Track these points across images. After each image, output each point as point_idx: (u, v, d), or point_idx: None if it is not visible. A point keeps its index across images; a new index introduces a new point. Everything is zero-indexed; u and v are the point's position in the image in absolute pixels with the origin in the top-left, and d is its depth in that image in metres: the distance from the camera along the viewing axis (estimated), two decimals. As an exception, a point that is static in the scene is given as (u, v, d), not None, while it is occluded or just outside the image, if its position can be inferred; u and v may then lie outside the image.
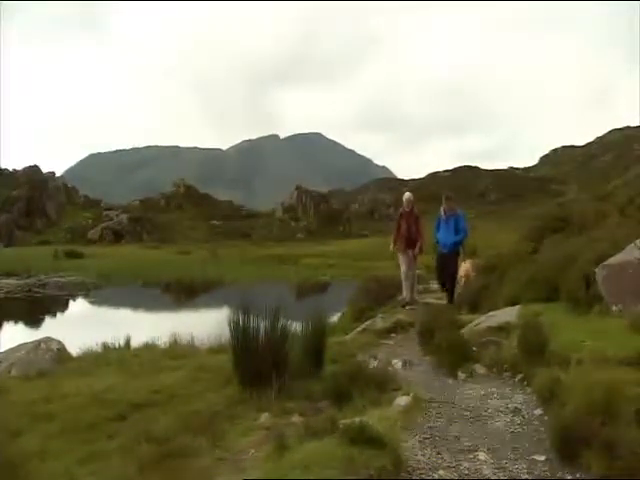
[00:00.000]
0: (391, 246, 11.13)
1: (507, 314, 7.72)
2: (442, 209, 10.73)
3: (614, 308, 6.81)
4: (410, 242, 10.81)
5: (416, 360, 6.86)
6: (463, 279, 11.76)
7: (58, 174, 76.36)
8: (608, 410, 3.37)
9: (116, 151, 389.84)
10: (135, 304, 23.85)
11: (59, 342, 8.19)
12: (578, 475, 3.27)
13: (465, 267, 11.80)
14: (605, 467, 3.17)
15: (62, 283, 28.96)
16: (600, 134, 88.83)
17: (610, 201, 15.06)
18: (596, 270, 7.11)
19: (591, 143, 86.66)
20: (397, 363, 6.61)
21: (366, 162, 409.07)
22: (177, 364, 6.98)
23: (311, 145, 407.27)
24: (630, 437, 3.26)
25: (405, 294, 11.12)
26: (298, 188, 72.05)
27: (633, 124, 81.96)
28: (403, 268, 10.98)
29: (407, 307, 10.75)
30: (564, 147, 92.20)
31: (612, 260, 7.07)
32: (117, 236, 58.46)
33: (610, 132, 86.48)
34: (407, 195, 11.25)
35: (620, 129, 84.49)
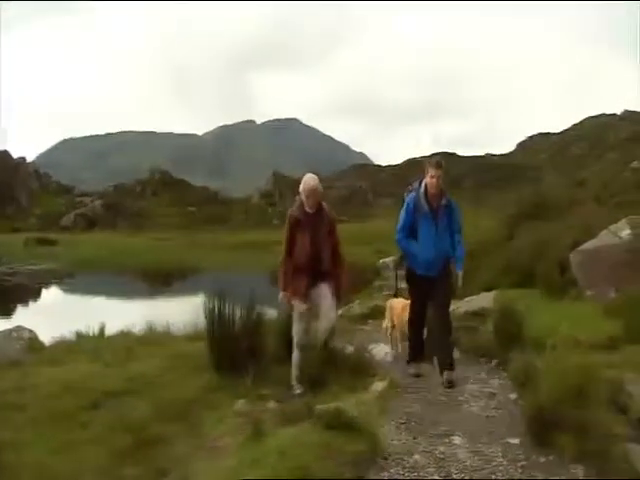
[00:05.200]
0: (281, 291, 5.24)
1: (483, 300, 7.80)
2: (422, 191, 5.35)
3: (588, 293, 6.91)
4: (317, 273, 5.20)
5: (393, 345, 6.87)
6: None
7: (30, 159, 74.74)
8: (581, 393, 3.41)
9: (90, 136, 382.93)
10: (110, 292, 23.53)
11: (30, 331, 8.04)
12: (551, 457, 3.32)
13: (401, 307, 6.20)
14: (578, 449, 3.21)
15: (34, 271, 28.44)
16: (576, 121, 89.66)
17: (585, 187, 15.27)
18: (570, 256, 7.20)
19: (567, 130, 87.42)
20: (373, 349, 6.62)
21: (343, 148, 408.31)
22: (152, 352, 6.89)
23: (288, 131, 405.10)
24: (602, 419, 3.31)
25: (295, 380, 5.19)
26: (275, 174, 71.77)
27: (608, 112, 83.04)
28: (297, 325, 5.21)
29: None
30: (540, 134, 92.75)
31: (586, 246, 7.16)
32: (90, 223, 57.64)
33: (585, 119, 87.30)
34: (310, 182, 5.44)
35: (595, 117, 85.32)
